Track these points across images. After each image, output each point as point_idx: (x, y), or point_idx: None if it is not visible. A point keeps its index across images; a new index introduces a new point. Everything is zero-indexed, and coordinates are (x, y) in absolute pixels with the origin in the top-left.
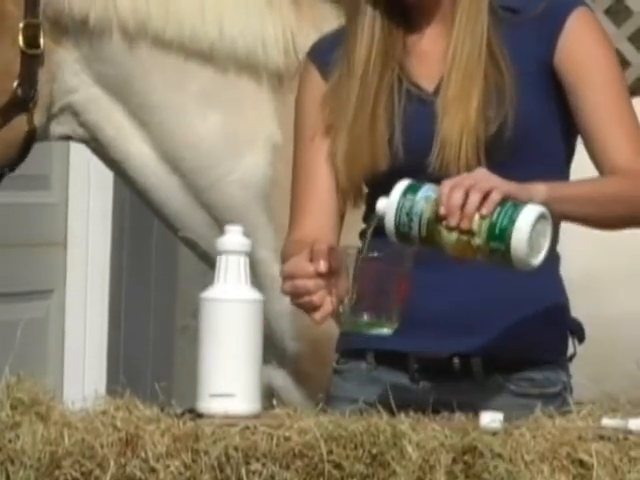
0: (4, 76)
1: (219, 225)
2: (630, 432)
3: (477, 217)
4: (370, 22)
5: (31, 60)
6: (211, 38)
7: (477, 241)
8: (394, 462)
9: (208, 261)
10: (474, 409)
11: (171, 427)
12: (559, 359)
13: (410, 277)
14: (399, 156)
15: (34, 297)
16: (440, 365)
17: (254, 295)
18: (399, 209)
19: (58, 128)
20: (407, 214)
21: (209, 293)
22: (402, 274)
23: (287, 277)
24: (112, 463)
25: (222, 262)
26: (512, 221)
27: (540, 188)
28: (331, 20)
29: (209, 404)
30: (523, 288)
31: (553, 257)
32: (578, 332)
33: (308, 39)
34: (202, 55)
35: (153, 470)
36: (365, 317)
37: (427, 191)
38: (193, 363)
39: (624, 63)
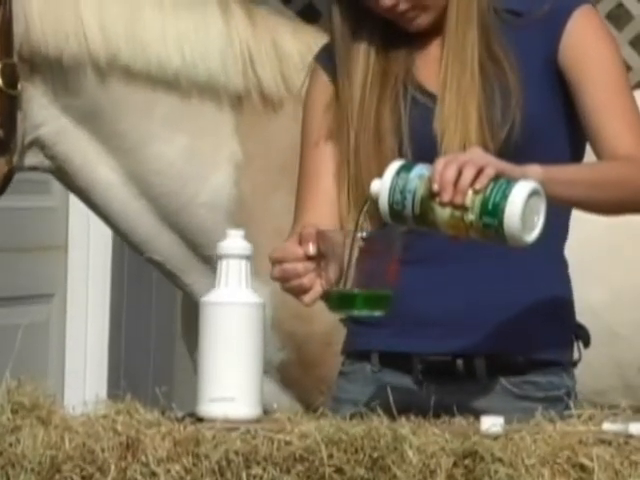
0: None
1: (186, 244)
2: (631, 436)
3: (470, 193)
4: (365, 47)
5: (10, 101)
6: (174, 66)
7: (470, 217)
8: (395, 466)
9: (174, 280)
10: (477, 412)
11: (172, 431)
12: (563, 363)
13: (399, 259)
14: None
15: (35, 301)
16: (444, 367)
17: (255, 299)
18: (392, 188)
19: (25, 160)
20: (401, 192)
21: (210, 297)
22: (392, 255)
23: (276, 262)
24: (113, 467)
25: (223, 266)
26: (505, 196)
27: (535, 169)
28: (285, 32)
29: (209, 408)
30: (528, 290)
31: (561, 262)
32: (583, 337)
33: (265, 56)
34: (167, 82)
35: (154, 474)
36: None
37: (421, 169)
38: (194, 367)
39: (625, 67)
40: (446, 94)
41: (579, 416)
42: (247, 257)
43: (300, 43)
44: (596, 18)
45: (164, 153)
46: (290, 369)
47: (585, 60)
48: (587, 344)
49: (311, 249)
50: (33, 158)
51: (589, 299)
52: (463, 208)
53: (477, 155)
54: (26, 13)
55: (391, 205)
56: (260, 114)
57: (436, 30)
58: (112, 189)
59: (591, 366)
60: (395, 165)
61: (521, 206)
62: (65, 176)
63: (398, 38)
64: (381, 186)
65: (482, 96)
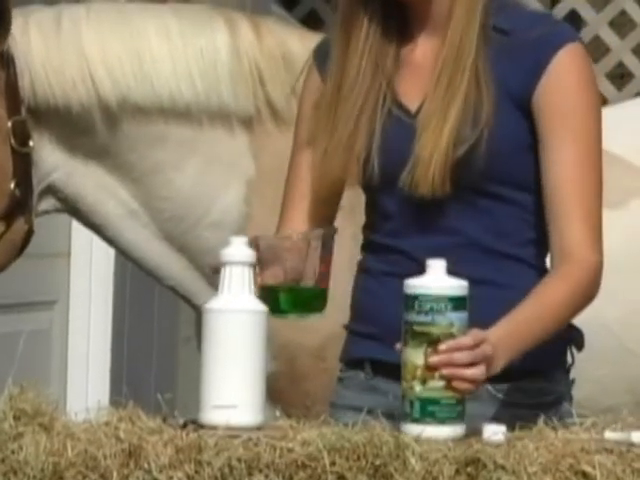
0: (1, 178)
1: (195, 266)
2: (633, 444)
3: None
4: (365, 34)
5: (23, 158)
6: (186, 98)
7: (416, 391)
8: (397, 473)
9: (189, 303)
10: (467, 419)
11: (174, 438)
12: (552, 370)
13: (330, 259)
14: (374, 175)
15: (38, 308)
16: None
17: (258, 306)
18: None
19: (38, 208)
20: (426, 313)
21: (212, 303)
22: (323, 256)
23: (216, 270)
24: (115, 474)
25: (226, 273)
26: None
27: (499, 362)
28: (294, 43)
29: (212, 415)
30: (515, 300)
31: (546, 272)
32: (576, 340)
33: (276, 73)
34: (179, 114)
35: None
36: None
37: (461, 318)
38: (196, 374)
39: (628, 75)
40: (436, 89)
41: (581, 424)
42: (250, 264)
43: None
44: (580, 61)
45: (174, 179)
46: (279, 381)
47: (556, 113)
48: (580, 348)
49: None
50: (45, 204)
51: (603, 316)
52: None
53: (495, 365)
54: (29, 65)
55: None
56: (272, 129)
57: (427, 37)
58: (124, 220)
59: (602, 382)
60: (455, 288)
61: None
62: (79, 214)
63: (393, 35)
64: (421, 283)
65: (462, 104)
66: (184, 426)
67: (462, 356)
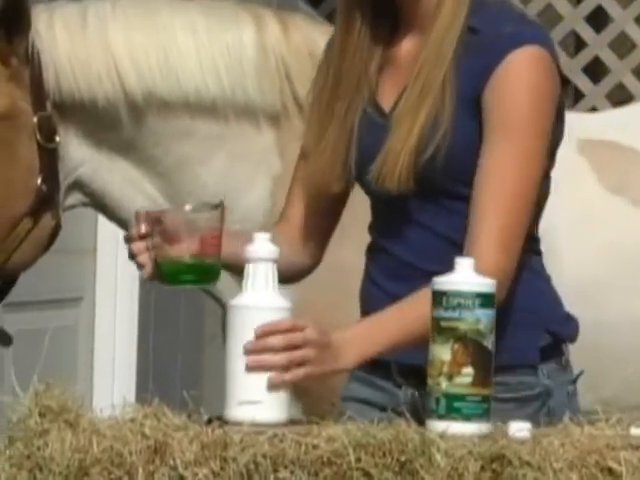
0: (28, 173)
1: None
2: None
3: None
4: (357, 35)
5: (50, 154)
6: (212, 93)
7: (442, 387)
8: (422, 470)
9: (215, 300)
10: None
11: (199, 435)
12: (534, 363)
13: (220, 232)
14: (352, 174)
15: (64, 305)
16: (417, 372)
17: (282, 302)
18: None
19: (65, 203)
20: None
21: (237, 300)
22: (213, 228)
23: (127, 239)
24: (140, 471)
25: (250, 270)
26: None
27: (347, 358)
28: (322, 40)
29: (237, 411)
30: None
31: (526, 269)
32: (569, 332)
33: (303, 70)
34: (205, 109)
35: (182, 478)
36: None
37: None
38: (222, 371)
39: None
40: (415, 84)
41: (607, 420)
42: (274, 260)
43: None
44: (533, 64)
45: (200, 174)
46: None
47: (495, 116)
48: (574, 340)
49: (142, 229)
50: (71, 199)
51: (632, 314)
52: None
53: (337, 360)
54: (54, 59)
55: None
56: (299, 126)
57: (412, 35)
58: None
59: (629, 381)
60: None
61: None
62: (105, 209)
63: (380, 37)
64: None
65: (431, 104)
66: (209, 422)
67: (275, 341)
